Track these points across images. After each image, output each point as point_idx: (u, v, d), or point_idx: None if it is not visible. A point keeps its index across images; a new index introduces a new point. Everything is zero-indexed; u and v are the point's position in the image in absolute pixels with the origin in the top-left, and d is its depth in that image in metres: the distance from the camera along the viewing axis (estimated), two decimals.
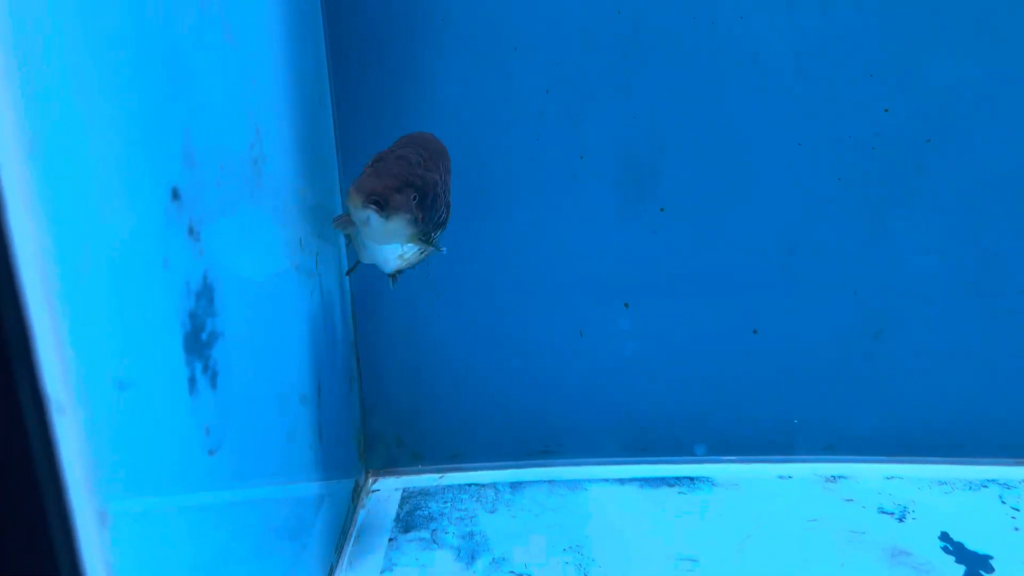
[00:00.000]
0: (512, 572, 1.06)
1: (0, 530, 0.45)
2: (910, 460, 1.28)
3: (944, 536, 1.10)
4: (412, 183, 0.85)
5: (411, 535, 1.15)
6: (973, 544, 1.08)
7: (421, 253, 0.97)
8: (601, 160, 1.23)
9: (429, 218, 0.88)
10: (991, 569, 1.02)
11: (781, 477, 1.26)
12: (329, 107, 1.18)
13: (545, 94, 1.20)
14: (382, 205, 0.81)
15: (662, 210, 1.25)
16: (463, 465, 1.34)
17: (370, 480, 1.31)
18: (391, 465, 1.34)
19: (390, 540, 1.14)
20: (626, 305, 1.29)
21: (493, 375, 1.33)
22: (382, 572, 1.07)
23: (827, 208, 1.24)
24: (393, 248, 0.93)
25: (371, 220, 0.82)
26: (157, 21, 0.61)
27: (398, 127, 1.12)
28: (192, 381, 0.66)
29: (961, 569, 1.03)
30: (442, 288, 1.29)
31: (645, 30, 1.18)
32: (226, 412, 0.72)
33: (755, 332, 1.29)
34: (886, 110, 1.20)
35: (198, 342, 0.67)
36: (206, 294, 0.70)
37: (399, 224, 0.83)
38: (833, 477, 1.26)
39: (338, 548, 1.11)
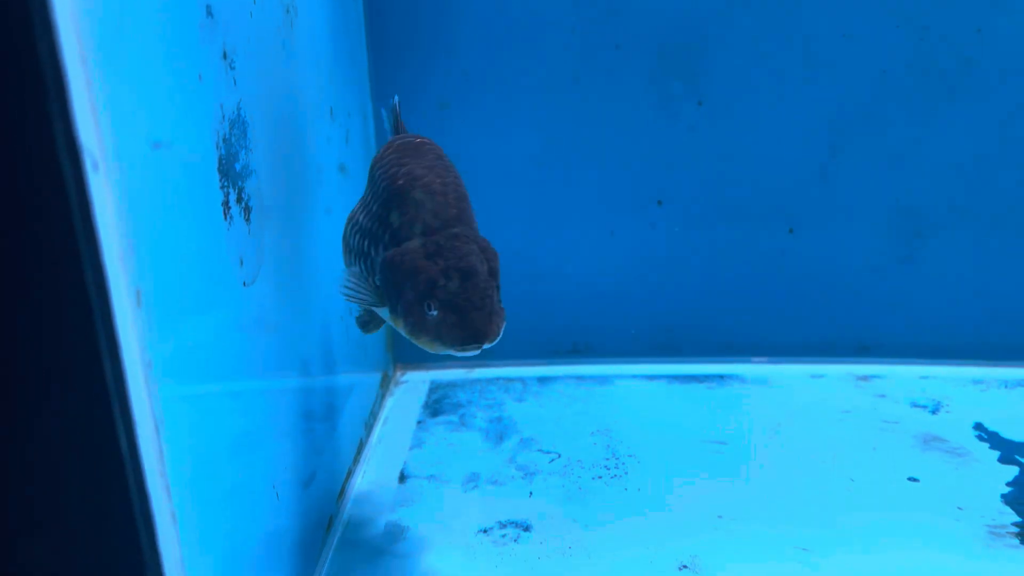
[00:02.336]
0: (540, 450, 1.06)
1: (32, 289, 0.45)
2: (944, 362, 1.26)
3: (978, 426, 1.08)
4: (493, 292, 0.69)
5: (439, 419, 1.16)
6: (1008, 433, 1.06)
7: None
8: (638, 52, 1.20)
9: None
10: None
11: (813, 376, 1.25)
12: None
13: None
14: (484, 341, 0.67)
15: (700, 104, 1.22)
16: (491, 361, 1.34)
17: (398, 373, 1.32)
18: (419, 360, 1.34)
19: (419, 423, 1.15)
20: (659, 203, 1.27)
21: (523, 273, 1.32)
22: (411, 449, 1.08)
23: (870, 104, 1.20)
24: None
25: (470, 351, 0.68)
26: None
27: (428, 21, 1.11)
28: (226, 206, 0.66)
29: (996, 454, 1.01)
30: (474, 185, 1.28)
31: None
32: (260, 249, 0.72)
33: (791, 231, 1.27)
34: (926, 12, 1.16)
35: (232, 170, 0.67)
36: (239, 125, 0.69)
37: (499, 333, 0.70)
38: (866, 376, 1.24)
39: (367, 427, 1.12)
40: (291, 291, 0.83)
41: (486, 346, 0.67)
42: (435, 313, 0.66)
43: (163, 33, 0.55)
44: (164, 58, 0.55)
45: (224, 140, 0.66)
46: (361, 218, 0.78)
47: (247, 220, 0.70)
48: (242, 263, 0.69)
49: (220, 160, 0.65)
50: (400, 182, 0.74)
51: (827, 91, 1.20)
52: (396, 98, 0.90)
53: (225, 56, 0.66)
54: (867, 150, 1.22)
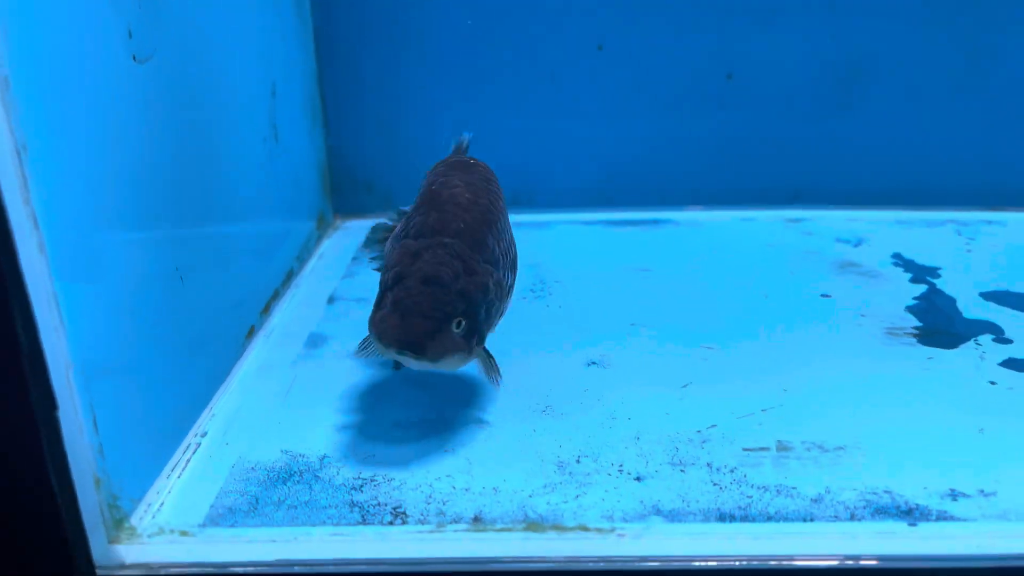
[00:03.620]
0: None
1: None
2: (872, 207, 1.28)
3: (896, 255, 1.11)
4: (454, 311, 0.65)
5: (374, 251, 1.17)
6: (924, 260, 1.09)
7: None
8: None
9: (486, 325, 0.71)
10: (937, 276, 1.04)
11: (744, 220, 1.27)
12: None
13: None
14: (418, 353, 0.64)
15: None
16: None
17: (338, 220, 1.32)
18: (361, 210, 1.35)
19: (353, 259, 1.16)
20: (600, 47, 1.26)
21: (465, 122, 1.31)
22: (342, 279, 1.10)
23: None
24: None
25: (409, 361, 0.66)
26: None
27: None
28: None
29: (908, 276, 1.05)
30: (415, 32, 1.26)
31: None
32: (157, 22, 0.71)
33: (729, 77, 1.26)
34: None
35: None
36: None
37: (447, 365, 0.67)
38: (796, 219, 1.26)
39: (300, 261, 1.13)
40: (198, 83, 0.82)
41: (419, 364, 0.64)
42: (386, 309, 0.66)
43: None
44: None
45: None
46: (400, 222, 0.78)
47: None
48: (131, 35, 0.68)
49: None
50: (434, 187, 0.77)
51: None
52: (468, 135, 0.93)
53: None
54: None
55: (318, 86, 1.26)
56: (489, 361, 0.74)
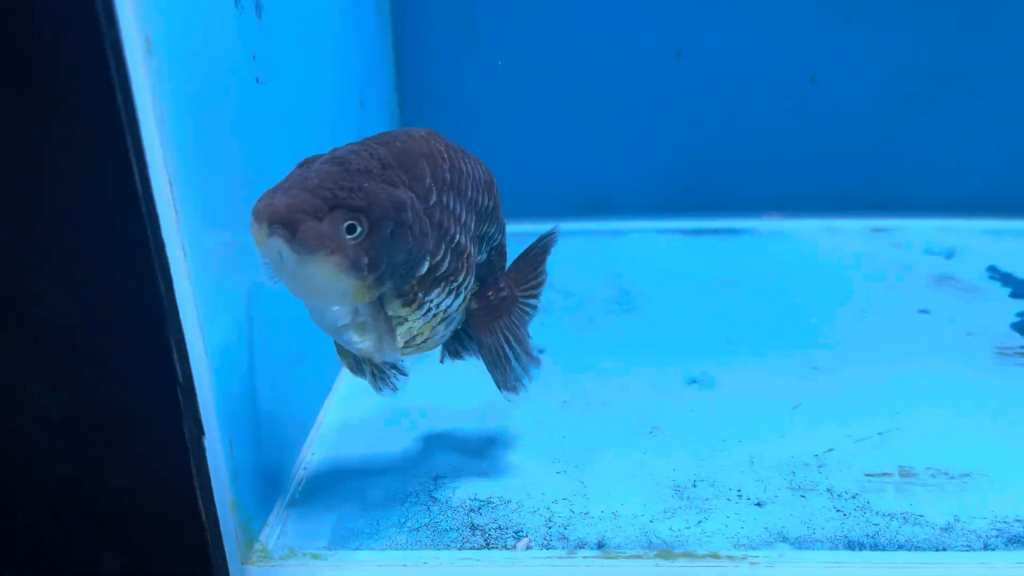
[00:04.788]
0: (554, 289, 1.07)
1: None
2: (960, 215, 1.25)
3: (991, 268, 1.08)
4: (349, 201, 0.53)
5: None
6: (1021, 274, 1.06)
7: (432, 326, 0.62)
8: None
9: (393, 264, 0.55)
10: None
11: (829, 229, 1.24)
12: None
13: None
14: (288, 232, 0.51)
15: None
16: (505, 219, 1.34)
17: None
18: None
19: None
20: (678, 53, 1.25)
21: (537, 128, 1.31)
22: None
23: None
24: (341, 313, 0.58)
25: (282, 255, 0.52)
26: None
27: None
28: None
29: (1007, 291, 1.02)
30: (485, 38, 1.25)
31: None
32: (271, 46, 0.71)
33: (812, 81, 1.24)
34: None
35: None
36: None
37: (322, 269, 0.52)
38: (882, 228, 1.23)
39: None
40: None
41: (288, 258, 0.52)
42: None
43: None
44: None
45: None
46: None
47: (258, 16, 0.69)
48: (255, 58, 0.68)
49: None
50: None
51: None
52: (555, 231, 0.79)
53: None
54: None
55: (396, 95, 1.26)
56: (386, 327, 0.58)
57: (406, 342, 0.62)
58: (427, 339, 0.64)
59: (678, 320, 0.98)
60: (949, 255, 1.13)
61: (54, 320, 0.48)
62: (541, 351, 0.92)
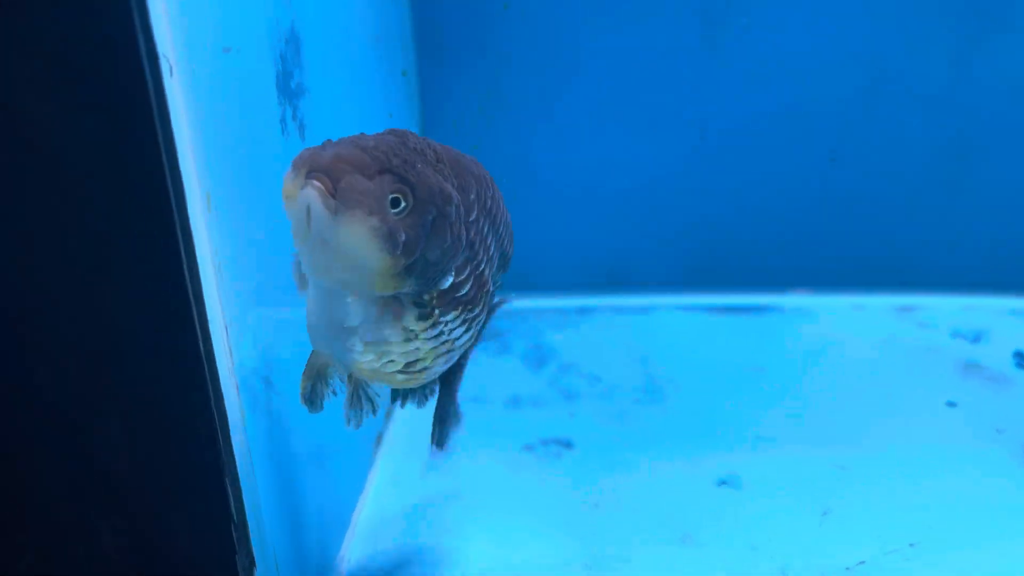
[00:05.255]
0: (580, 375, 1.08)
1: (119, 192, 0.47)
2: (986, 293, 1.25)
3: (1019, 355, 1.08)
4: (395, 169, 0.49)
5: (479, 345, 1.18)
6: None
7: (431, 347, 0.57)
8: None
9: (425, 258, 0.51)
10: None
11: (854, 307, 1.25)
12: None
13: None
14: (332, 181, 0.47)
15: (742, 31, 1.21)
16: (529, 292, 1.35)
17: None
18: None
19: None
20: (701, 130, 1.27)
21: (560, 202, 1.33)
22: None
23: (915, 28, 1.17)
24: (355, 309, 0.53)
25: (312, 210, 0.47)
26: None
27: None
28: (283, 122, 0.68)
29: None
30: (509, 113, 1.28)
31: None
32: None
33: (832, 160, 1.26)
34: None
35: (288, 88, 0.69)
36: (293, 42, 0.70)
37: (356, 231, 0.47)
38: (907, 307, 1.24)
39: None
40: None
41: (317, 190, 0.46)
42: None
43: None
44: None
45: (281, 57, 0.67)
46: None
47: (302, 137, 0.72)
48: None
49: (277, 77, 0.66)
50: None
51: (870, 13, 1.17)
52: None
53: None
54: (911, 73, 1.19)
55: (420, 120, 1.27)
56: (392, 341, 0.53)
57: (405, 365, 0.56)
58: (425, 369, 0.58)
59: (706, 411, 0.99)
60: (976, 339, 1.13)
61: (120, 465, 0.50)
62: (568, 445, 0.94)
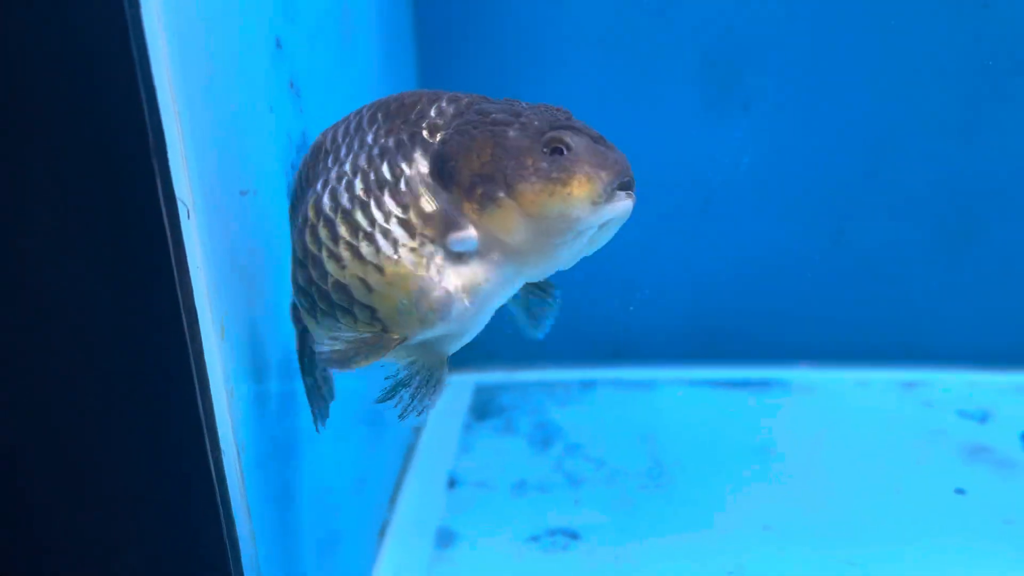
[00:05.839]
0: (585, 458, 1.08)
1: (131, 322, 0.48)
2: (992, 369, 1.25)
3: None
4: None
5: (485, 422, 1.18)
6: None
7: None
8: (682, 58, 1.20)
9: None
10: None
11: (858, 383, 1.25)
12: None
13: None
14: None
15: (745, 107, 1.22)
16: (534, 364, 1.35)
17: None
18: (463, 363, 1.36)
19: (465, 426, 1.17)
20: (705, 202, 1.27)
21: (563, 276, 1.33)
22: (459, 454, 1.11)
23: (919, 102, 1.19)
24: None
25: (620, 218, 0.50)
26: None
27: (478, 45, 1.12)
28: None
29: None
30: None
31: None
32: None
33: (839, 232, 1.26)
34: (984, 5, 1.15)
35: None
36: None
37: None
38: (912, 383, 1.23)
39: (415, 431, 1.15)
40: None
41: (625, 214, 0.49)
42: (573, 146, 0.48)
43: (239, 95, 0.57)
44: (242, 124, 0.58)
45: (292, 166, 0.68)
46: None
47: None
48: None
49: (289, 188, 0.67)
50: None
51: (873, 90, 1.19)
52: None
53: (292, 85, 0.69)
54: (915, 148, 1.20)
55: None
56: None
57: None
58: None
59: (712, 498, 0.98)
60: (982, 419, 1.13)
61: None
62: (575, 536, 0.93)
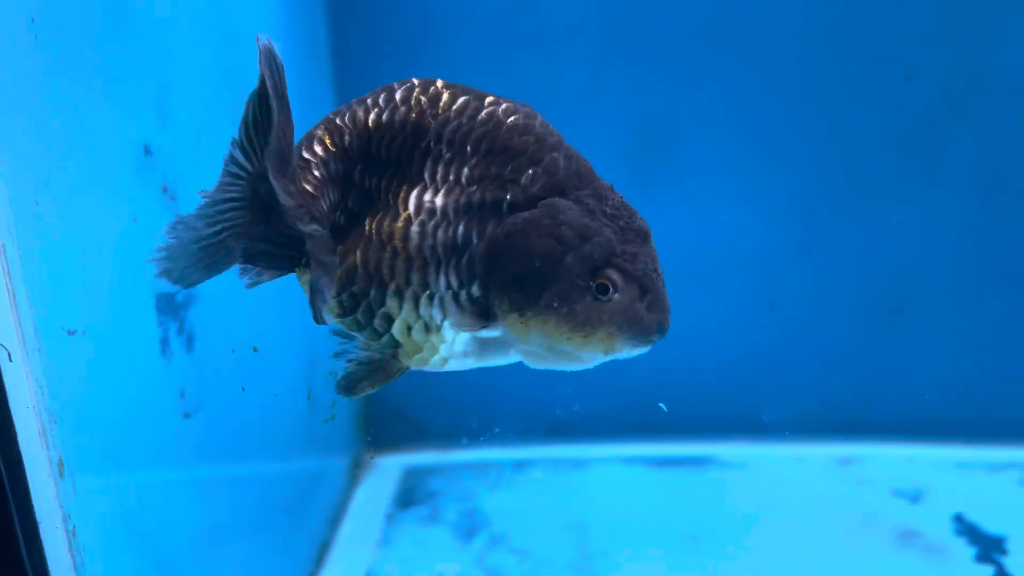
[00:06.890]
0: (510, 549, 1.04)
1: None
2: (928, 442, 1.23)
3: (958, 518, 1.06)
4: None
5: (410, 511, 1.14)
6: (988, 526, 1.03)
7: None
8: (612, 134, 1.20)
9: None
10: (1005, 551, 0.98)
11: (794, 459, 1.22)
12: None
13: (551, 59, 1.16)
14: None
15: (676, 183, 1.21)
16: (466, 442, 1.31)
17: (370, 457, 1.29)
18: (393, 442, 1.32)
19: (388, 516, 1.13)
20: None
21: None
22: (378, 547, 1.06)
23: (847, 179, 1.19)
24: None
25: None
26: None
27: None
28: (165, 342, 0.65)
29: (973, 551, 0.99)
30: None
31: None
32: (204, 376, 0.71)
33: (772, 308, 1.25)
34: (908, 79, 1.16)
35: (172, 303, 0.66)
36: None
37: None
38: (848, 459, 1.21)
39: (333, 523, 1.10)
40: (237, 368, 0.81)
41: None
42: (617, 295, 0.48)
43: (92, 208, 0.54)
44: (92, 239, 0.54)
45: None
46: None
47: (189, 349, 0.69)
48: (183, 395, 0.67)
49: (158, 298, 0.64)
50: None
51: (802, 167, 1.19)
52: None
53: (166, 189, 0.66)
54: (845, 224, 1.20)
55: None
56: None
57: None
58: None
59: None
60: (915, 498, 1.11)
61: None
62: None
